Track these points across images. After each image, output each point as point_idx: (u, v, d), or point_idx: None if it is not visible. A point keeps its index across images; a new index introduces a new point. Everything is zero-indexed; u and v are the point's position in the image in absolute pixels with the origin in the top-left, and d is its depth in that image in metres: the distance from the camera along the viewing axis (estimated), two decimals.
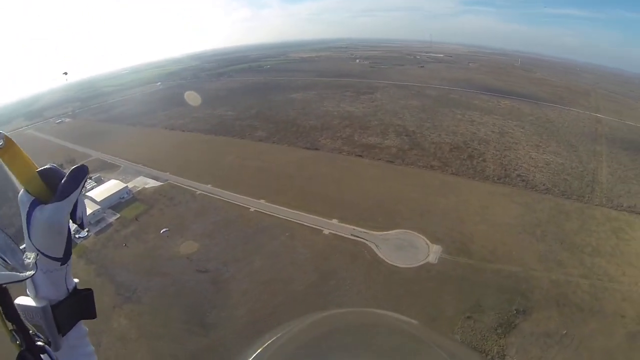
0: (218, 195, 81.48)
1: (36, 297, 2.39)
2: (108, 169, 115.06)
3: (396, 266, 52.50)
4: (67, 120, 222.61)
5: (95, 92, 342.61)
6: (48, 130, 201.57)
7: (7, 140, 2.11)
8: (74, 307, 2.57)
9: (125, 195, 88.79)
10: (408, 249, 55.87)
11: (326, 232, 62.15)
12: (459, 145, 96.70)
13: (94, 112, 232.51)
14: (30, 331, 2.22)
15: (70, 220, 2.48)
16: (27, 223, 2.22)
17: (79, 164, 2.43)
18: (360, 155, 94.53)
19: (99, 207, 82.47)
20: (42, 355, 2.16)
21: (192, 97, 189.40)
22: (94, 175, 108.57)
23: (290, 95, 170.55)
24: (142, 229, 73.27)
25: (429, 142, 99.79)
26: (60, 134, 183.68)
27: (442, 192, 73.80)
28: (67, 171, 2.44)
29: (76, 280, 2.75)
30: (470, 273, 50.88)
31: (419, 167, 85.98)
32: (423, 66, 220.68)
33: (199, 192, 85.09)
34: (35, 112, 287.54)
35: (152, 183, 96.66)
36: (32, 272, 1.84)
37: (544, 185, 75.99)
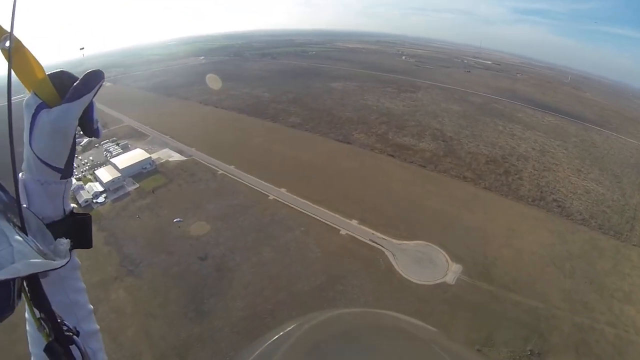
0: (239, 178, 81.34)
1: (30, 212, 2.15)
2: (137, 137, 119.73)
3: (410, 281, 49.44)
4: (108, 84, 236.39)
5: (139, 60, 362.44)
6: None
7: (17, 42, 1.98)
8: (69, 231, 2.28)
9: (148, 166, 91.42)
10: (426, 264, 52.34)
11: (343, 232, 59.54)
12: (496, 159, 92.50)
13: (135, 79, 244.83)
14: (59, 320, 2.03)
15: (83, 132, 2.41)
16: (30, 127, 2.12)
17: (95, 69, 2.24)
18: (392, 155, 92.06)
19: (119, 174, 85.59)
20: (70, 347, 2.00)
21: (219, 79, 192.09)
22: (122, 142, 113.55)
23: (331, 84, 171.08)
24: (158, 202, 74.83)
25: (465, 151, 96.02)
26: (98, 97, 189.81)
27: (470, 206, 69.56)
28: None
29: (73, 205, 2.53)
30: (488, 300, 47.24)
31: (451, 176, 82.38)
32: (469, 71, 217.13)
33: (220, 171, 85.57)
34: (79, 74, 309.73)
35: (176, 157, 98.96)
36: (65, 260, 1.73)
37: (580, 214, 70.60)
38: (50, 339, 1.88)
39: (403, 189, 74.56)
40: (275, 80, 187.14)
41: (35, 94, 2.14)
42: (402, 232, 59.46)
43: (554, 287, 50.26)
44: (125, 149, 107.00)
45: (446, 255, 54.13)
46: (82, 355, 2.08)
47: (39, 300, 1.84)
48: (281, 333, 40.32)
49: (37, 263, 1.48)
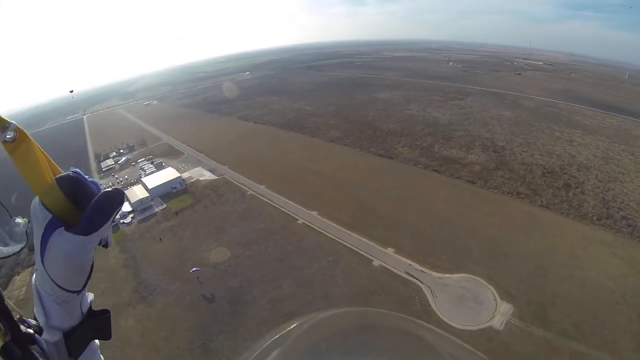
0: (268, 199, 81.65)
1: (46, 324, 2.22)
2: (172, 155, 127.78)
3: (449, 325, 43.75)
4: (154, 102, 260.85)
5: (187, 78, 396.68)
6: (135, 111, 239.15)
7: (20, 133, 1.88)
8: (89, 331, 2.43)
9: (178, 186, 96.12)
10: (470, 304, 46.14)
11: (376, 263, 55.58)
12: (554, 170, 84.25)
13: (179, 96, 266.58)
14: (17, 316, 2.06)
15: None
16: (41, 245, 1.98)
17: (113, 188, 2.17)
18: (438, 171, 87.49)
19: (148, 195, 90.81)
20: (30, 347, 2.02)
21: (234, 87, 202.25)
22: (156, 161, 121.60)
23: (375, 94, 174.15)
24: (182, 224, 77.45)
25: (519, 163, 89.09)
26: (143, 115, 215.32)
27: (526, 229, 61.92)
28: (94, 182, 2.29)
29: (91, 296, 2.55)
30: (543, 351, 39.90)
31: (503, 192, 75.68)
32: (520, 73, 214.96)
33: (250, 192, 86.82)
34: (130, 93, 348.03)
35: (207, 175, 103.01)
36: (20, 246, 1.80)
37: None
38: (7, 339, 1.82)
39: (448, 210, 69.02)
40: (318, 92, 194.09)
41: (42, 204, 1.95)
42: (444, 263, 54.12)
43: (627, 334, 41.49)
44: (159, 167, 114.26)
45: (494, 292, 47.61)
46: (45, 355, 2.03)
47: None
48: None
49: None
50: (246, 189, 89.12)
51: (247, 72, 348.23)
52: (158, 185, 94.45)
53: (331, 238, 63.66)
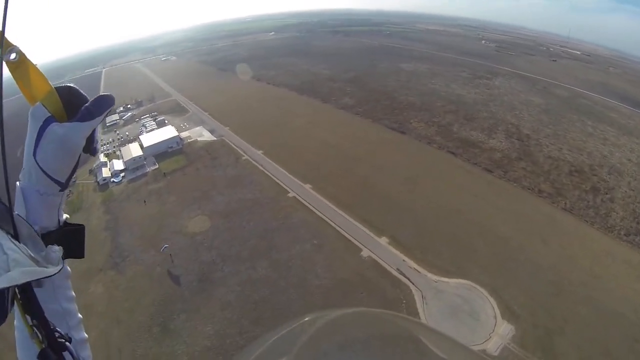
0: (262, 166, 75.40)
1: (25, 221, 2.33)
2: (177, 113, 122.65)
3: None
4: (173, 58, 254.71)
5: (211, 35, 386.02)
6: (152, 66, 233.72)
7: (21, 55, 2.17)
8: (63, 242, 2.44)
9: (174, 145, 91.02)
10: (464, 318, 38.61)
11: (365, 254, 48.62)
12: (582, 169, 72.34)
13: (199, 53, 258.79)
14: (52, 326, 2.18)
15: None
16: (36, 138, 2.28)
17: (106, 94, 2.47)
18: (453, 153, 77.36)
19: (141, 153, 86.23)
20: (63, 353, 2.16)
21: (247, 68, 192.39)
22: (159, 118, 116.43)
23: (400, 64, 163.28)
24: (169, 187, 72.77)
25: (544, 156, 77.52)
26: (158, 70, 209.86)
27: (543, 233, 52.34)
28: (87, 95, 2.55)
29: (66, 215, 2.70)
30: None
31: (523, 187, 65.54)
32: (555, 60, 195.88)
33: (245, 157, 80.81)
34: (151, 49, 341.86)
35: (206, 136, 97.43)
36: (58, 267, 1.85)
37: None
38: (44, 346, 1.96)
39: (458, 199, 60.13)
40: (340, 58, 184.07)
41: (42, 105, 2.25)
42: (444, 263, 46.32)
43: None
44: (161, 125, 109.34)
45: (495, 308, 39.73)
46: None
47: (32, 308, 1.93)
48: None
49: (32, 271, 1.59)
50: (242, 153, 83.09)
51: (272, 32, 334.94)
52: (154, 144, 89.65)
53: (321, 217, 57.01)
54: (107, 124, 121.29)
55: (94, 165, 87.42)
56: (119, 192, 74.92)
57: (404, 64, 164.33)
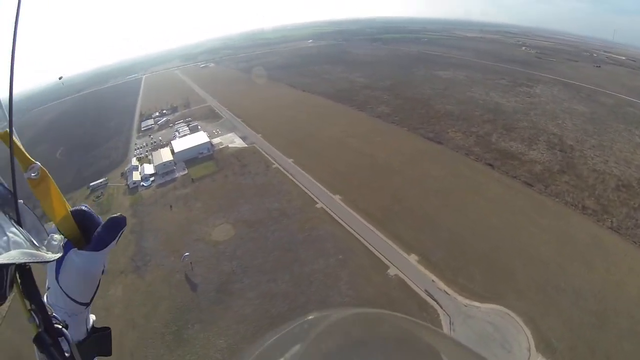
0: (292, 175, 75.42)
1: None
2: (210, 119, 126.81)
3: None
4: (211, 65, 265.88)
5: (250, 43, 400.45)
6: (190, 72, 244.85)
7: (42, 172, 2.30)
8: (92, 347, 2.75)
9: (205, 151, 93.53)
10: (494, 348, 34.81)
11: (392, 272, 46.51)
12: (630, 184, 66.74)
13: (237, 60, 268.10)
14: (50, 312, 2.34)
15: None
16: (57, 264, 2.43)
17: (117, 215, 2.60)
18: (491, 165, 74.37)
19: (171, 159, 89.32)
20: (59, 339, 2.30)
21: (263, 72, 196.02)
22: (192, 123, 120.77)
23: (437, 72, 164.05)
24: (196, 193, 74.44)
25: (589, 169, 72.84)
26: (196, 77, 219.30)
27: (587, 256, 47.63)
28: (99, 217, 2.68)
29: (93, 317, 2.92)
30: None
31: (566, 203, 60.92)
32: (599, 66, 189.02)
33: (275, 165, 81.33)
34: (192, 55, 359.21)
35: (238, 143, 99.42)
36: (58, 255, 2.03)
37: None
38: (40, 330, 2.07)
39: (495, 215, 56.77)
40: (377, 65, 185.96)
41: (59, 230, 2.38)
42: (476, 286, 43.25)
43: None
44: (194, 130, 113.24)
45: (531, 339, 36.01)
46: (70, 347, 2.28)
47: (30, 292, 2.04)
48: None
49: (31, 253, 1.70)
50: (272, 161, 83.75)
51: (310, 40, 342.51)
52: (185, 150, 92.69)
53: (348, 231, 55.71)
54: (142, 129, 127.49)
55: (126, 169, 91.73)
56: (147, 196, 77.65)
57: (441, 71, 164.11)
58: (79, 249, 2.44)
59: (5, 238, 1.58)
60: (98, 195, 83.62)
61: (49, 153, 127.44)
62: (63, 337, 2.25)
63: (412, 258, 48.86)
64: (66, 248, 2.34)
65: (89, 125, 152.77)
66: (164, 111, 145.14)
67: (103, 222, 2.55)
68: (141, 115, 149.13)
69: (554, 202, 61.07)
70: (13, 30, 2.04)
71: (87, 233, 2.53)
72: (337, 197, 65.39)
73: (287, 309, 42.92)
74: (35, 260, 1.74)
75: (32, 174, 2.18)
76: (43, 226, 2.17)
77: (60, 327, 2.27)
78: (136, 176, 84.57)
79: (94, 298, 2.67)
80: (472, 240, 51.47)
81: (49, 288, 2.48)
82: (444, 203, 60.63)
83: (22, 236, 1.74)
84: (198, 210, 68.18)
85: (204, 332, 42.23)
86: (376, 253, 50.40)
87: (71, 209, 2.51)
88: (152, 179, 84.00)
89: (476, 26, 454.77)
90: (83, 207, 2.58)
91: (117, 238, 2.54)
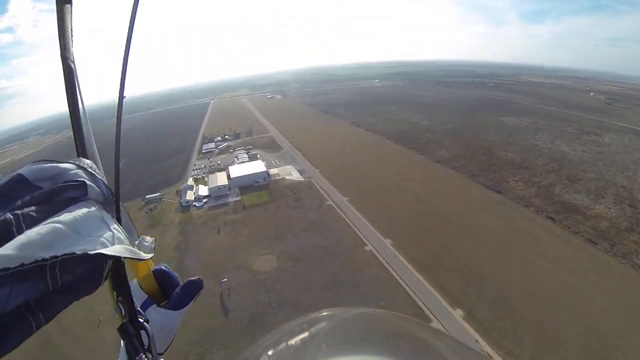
0: (344, 214, 74.74)
1: None
2: (271, 149, 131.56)
3: None
4: (278, 97, 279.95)
5: (318, 78, 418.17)
6: (256, 102, 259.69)
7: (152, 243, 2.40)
8: None
9: (261, 180, 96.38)
10: None
11: (434, 327, 43.29)
12: None
13: (303, 94, 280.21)
14: (136, 306, 2.45)
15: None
16: None
17: (195, 278, 2.73)
18: (552, 219, 68.88)
19: (226, 183, 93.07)
20: (141, 332, 2.39)
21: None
22: (252, 151, 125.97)
23: (501, 117, 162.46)
24: (246, 220, 76.12)
25: None
26: (262, 107, 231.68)
27: None
28: (177, 275, 2.82)
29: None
30: None
31: (634, 266, 53.71)
32: None
33: (328, 202, 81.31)
34: (261, 86, 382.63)
35: (295, 176, 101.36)
36: (151, 255, 2.16)
37: None
38: (125, 321, 2.22)
39: (552, 274, 51.50)
40: (440, 109, 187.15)
41: (139, 286, 2.55)
42: (523, 352, 38.40)
43: None
44: (253, 158, 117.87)
45: None
46: (149, 341, 2.40)
47: (120, 284, 2.18)
48: None
49: (131, 249, 1.85)
50: (327, 197, 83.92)
51: (377, 80, 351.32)
52: (241, 176, 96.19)
53: (394, 277, 53.22)
54: (203, 151, 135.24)
55: (181, 187, 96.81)
56: (197, 217, 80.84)
57: (505, 117, 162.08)
58: (157, 305, 2.60)
59: (110, 233, 1.71)
60: (151, 208, 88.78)
61: (110, 162, 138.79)
62: (144, 330, 2.37)
63: (458, 313, 45.20)
64: (146, 304, 2.54)
65: (153, 142, 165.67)
66: (226, 136, 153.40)
67: (182, 284, 2.71)
68: (204, 138, 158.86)
69: (620, 264, 54.68)
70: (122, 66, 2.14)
71: (166, 291, 2.68)
72: (387, 241, 63.35)
73: None
74: (134, 257, 1.88)
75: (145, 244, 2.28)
76: (135, 227, 2.27)
77: (142, 321, 2.39)
78: (190, 195, 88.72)
79: (168, 349, 2.80)
80: (524, 300, 46.85)
81: None
82: (497, 257, 56.44)
83: (122, 232, 1.85)
84: (244, 238, 69.40)
85: (227, 359, 41.81)
86: (420, 303, 47.37)
87: (153, 267, 2.64)
88: (205, 200, 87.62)
89: (541, 71, 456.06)
90: (163, 267, 2.74)
91: (195, 299, 2.72)
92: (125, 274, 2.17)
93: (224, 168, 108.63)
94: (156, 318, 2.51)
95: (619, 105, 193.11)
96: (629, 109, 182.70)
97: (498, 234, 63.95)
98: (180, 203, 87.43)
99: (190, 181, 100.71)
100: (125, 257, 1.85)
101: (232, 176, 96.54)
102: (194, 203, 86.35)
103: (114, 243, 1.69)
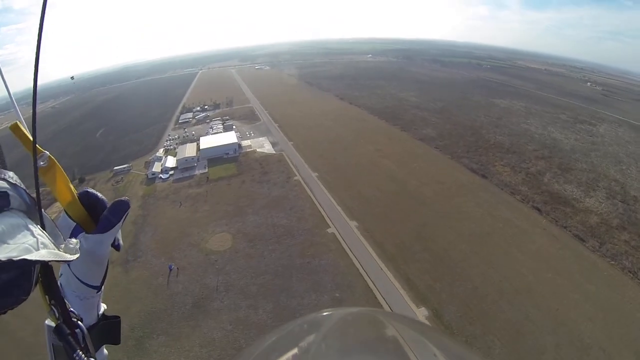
0: (311, 191, 70.81)
1: None
2: (249, 120, 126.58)
3: None
4: (266, 68, 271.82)
5: (310, 50, 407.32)
6: (243, 73, 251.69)
7: (50, 160, 2.46)
8: (102, 333, 2.95)
9: (231, 152, 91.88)
10: None
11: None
12: None
13: (293, 66, 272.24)
14: (68, 307, 2.48)
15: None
16: None
17: (122, 198, 2.74)
18: (539, 210, 64.42)
19: (194, 155, 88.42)
20: (75, 330, 2.47)
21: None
22: (227, 122, 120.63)
23: (493, 99, 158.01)
24: (208, 195, 72.21)
25: None
26: (247, 78, 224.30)
27: None
28: (104, 198, 2.77)
29: (104, 306, 3.06)
30: None
31: (623, 269, 49.57)
32: None
33: (296, 177, 77.31)
34: (251, 57, 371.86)
35: (267, 148, 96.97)
36: (76, 255, 2.19)
37: None
38: (59, 322, 2.30)
39: (534, 274, 47.33)
40: (431, 86, 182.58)
41: (67, 214, 2.55)
42: None
43: None
44: (228, 129, 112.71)
45: None
46: (84, 337, 2.46)
47: (51, 288, 2.25)
48: None
49: (56, 253, 1.92)
50: (295, 173, 79.78)
51: (369, 55, 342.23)
52: (210, 147, 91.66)
53: (355, 265, 49.49)
54: (180, 121, 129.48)
55: (150, 158, 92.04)
56: (160, 190, 76.76)
57: (497, 99, 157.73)
58: (88, 232, 2.53)
59: (34, 239, 1.75)
60: (117, 181, 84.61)
61: (89, 132, 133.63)
62: (78, 329, 2.41)
63: (422, 312, 41.88)
64: (75, 232, 2.48)
65: (133, 111, 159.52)
66: (206, 107, 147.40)
67: (109, 205, 2.63)
68: (184, 107, 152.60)
69: (608, 265, 50.40)
70: (39, 22, 2.03)
71: (95, 216, 2.60)
72: (353, 224, 59.63)
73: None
74: (60, 259, 1.94)
75: (41, 162, 2.34)
76: (60, 232, 2.28)
77: (76, 319, 2.44)
78: (157, 167, 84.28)
79: (104, 283, 2.80)
80: (499, 301, 42.92)
81: (61, 275, 2.61)
82: (475, 250, 52.26)
83: (47, 237, 1.91)
84: (203, 213, 65.68)
85: (166, 347, 38.82)
86: (380, 298, 43.74)
87: (78, 192, 2.59)
88: (171, 172, 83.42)
89: (540, 57, 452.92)
90: (87, 189, 2.65)
91: (122, 220, 2.60)
92: (54, 278, 2.21)
93: (198, 139, 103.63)
94: (86, 245, 2.45)
95: (616, 98, 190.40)
96: (626, 102, 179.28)
97: (478, 223, 59.61)
98: (147, 175, 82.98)
99: (161, 152, 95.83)
100: (50, 261, 1.88)
101: (202, 147, 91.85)
102: (160, 175, 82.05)
103: (38, 248, 1.75)
